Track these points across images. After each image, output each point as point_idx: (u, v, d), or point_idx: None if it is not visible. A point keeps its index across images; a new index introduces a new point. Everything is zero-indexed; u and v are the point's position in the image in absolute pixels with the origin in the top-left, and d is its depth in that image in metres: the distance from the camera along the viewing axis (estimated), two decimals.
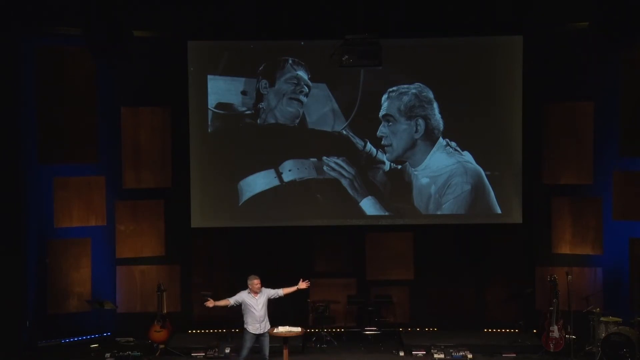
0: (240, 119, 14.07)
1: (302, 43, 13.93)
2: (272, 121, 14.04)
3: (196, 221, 14.12)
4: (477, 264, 14.25)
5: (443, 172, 14.05)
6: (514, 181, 13.99)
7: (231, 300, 11.49)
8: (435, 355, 12.84)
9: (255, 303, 11.44)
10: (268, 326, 11.54)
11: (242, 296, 11.48)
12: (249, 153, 14.06)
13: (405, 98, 13.99)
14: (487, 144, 13.98)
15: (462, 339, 13.37)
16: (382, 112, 14.02)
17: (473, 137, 13.99)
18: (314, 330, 13.76)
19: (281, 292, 11.64)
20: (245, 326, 11.55)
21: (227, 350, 13.08)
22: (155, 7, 13.06)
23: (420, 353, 13.02)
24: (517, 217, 14.02)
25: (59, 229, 13.70)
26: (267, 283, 11.74)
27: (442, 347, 13.03)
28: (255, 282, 11.47)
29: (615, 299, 13.25)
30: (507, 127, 13.93)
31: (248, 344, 11.51)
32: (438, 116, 13.99)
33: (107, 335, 13.79)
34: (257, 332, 11.47)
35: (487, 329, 14.09)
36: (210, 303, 11.44)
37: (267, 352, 11.55)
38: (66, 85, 13.61)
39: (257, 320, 11.44)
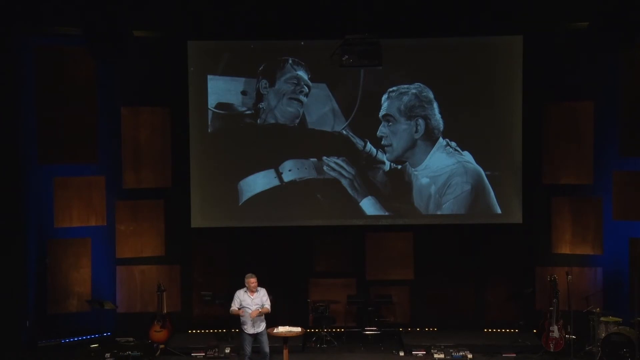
0: (240, 119, 14.06)
1: (302, 43, 13.93)
2: (272, 121, 14.03)
3: (196, 221, 14.12)
4: (477, 264, 14.24)
5: (443, 172, 14.04)
6: (514, 181, 13.98)
7: (235, 306, 11.48)
8: (435, 355, 12.84)
9: (250, 302, 11.45)
10: (264, 325, 11.53)
11: (239, 295, 11.49)
12: (249, 153, 14.05)
13: (405, 98, 13.99)
14: (487, 144, 13.97)
15: (462, 339, 13.37)
16: (382, 112, 14.01)
17: (473, 137, 13.98)
18: (314, 330, 13.75)
19: (268, 306, 11.54)
20: (241, 326, 11.59)
21: (227, 350, 13.08)
22: (155, 7, 13.04)
23: (420, 353, 13.01)
24: (517, 217, 14.01)
25: (59, 229, 13.70)
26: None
27: (442, 347, 13.03)
28: (251, 280, 11.48)
29: (615, 299, 13.25)
30: (507, 127, 13.92)
31: (247, 343, 11.54)
32: (438, 116, 13.98)
33: (107, 335, 13.79)
34: (251, 332, 11.48)
35: (487, 329, 14.09)
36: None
37: (267, 348, 11.54)
38: (66, 85, 13.60)
39: (251, 319, 11.43)
